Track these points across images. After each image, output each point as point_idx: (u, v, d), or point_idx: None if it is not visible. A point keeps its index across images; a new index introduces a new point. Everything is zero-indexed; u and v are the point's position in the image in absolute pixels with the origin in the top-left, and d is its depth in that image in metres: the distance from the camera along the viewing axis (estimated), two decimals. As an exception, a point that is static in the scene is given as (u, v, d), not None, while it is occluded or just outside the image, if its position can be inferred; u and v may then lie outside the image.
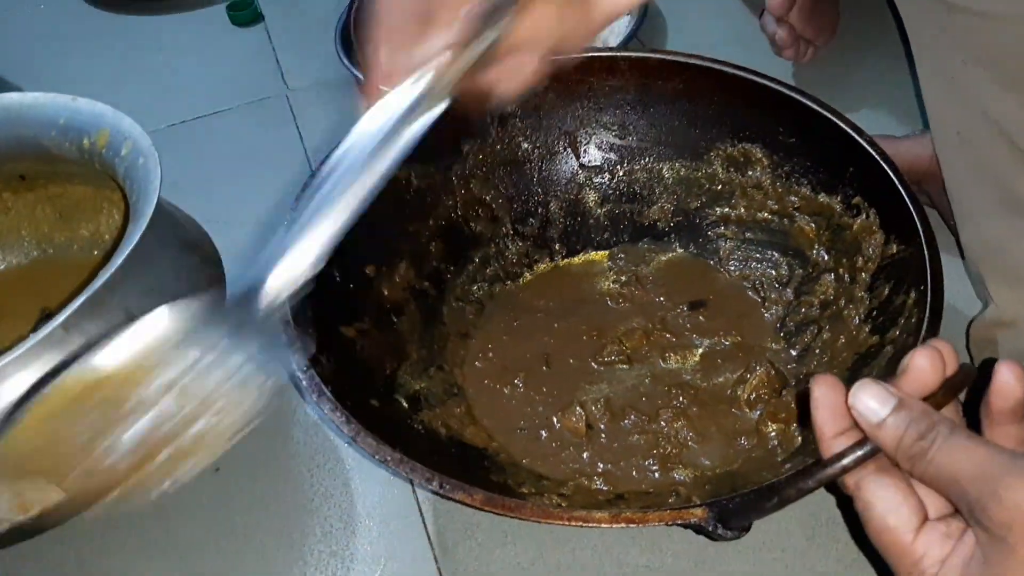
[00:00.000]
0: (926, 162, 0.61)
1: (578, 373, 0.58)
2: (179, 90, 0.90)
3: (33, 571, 0.53)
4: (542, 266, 0.65)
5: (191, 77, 0.92)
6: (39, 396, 0.35)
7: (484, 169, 0.64)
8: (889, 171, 0.52)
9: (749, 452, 0.52)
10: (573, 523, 0.40)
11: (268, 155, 0.81)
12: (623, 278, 0.64)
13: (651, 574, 0.50)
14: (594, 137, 0.66)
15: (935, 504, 0.33)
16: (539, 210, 0.66)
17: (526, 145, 0.65)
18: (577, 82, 0.63)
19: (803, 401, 0.52)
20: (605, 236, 0.66)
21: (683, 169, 0.64)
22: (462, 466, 0.51)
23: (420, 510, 0.54)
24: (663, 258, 0.65)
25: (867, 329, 0.53)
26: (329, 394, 0.45)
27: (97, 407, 0.35)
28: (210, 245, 0.59)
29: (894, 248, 0.53)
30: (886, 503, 0.33)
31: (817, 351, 0.56)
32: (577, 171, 0.66)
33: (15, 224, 0.67)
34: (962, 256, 0.58)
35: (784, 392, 0.55)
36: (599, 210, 0.66)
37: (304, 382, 0.45)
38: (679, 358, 0.58)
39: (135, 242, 0.48)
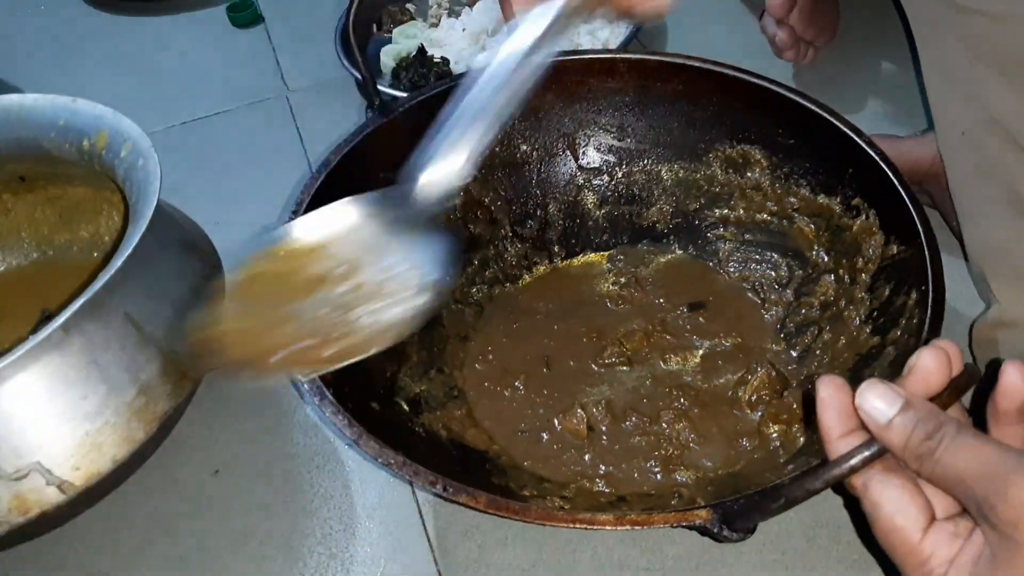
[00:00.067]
0: (928, 162, 0.61)
1: (578, 375, 0.58)
2: (179, 91, 0.90)
3: (33, 572, 0.53)
4: (541, 268, 0.65)
5: (191, 78, 0.91)
6: (262, 246, 0.41)
7: (482, 171, 0.63)
8: (889, 172, 0.52)
9: (751, 453, 0.52)
10: (577, 526, 0.40)
11: (268, 156, 0.81)
12: (622, 280, 0.63)
13: (652, 576, 0.50)
14: (593, 139, 0.66)
15: (942, 504, 0.33)
16: (538, 212, 0.65)
17: (525, 147, 0.65)
18: (576, 84, 0.63)
19: (806, 402, 0.53)
20: (604, 238, 0.66)
21: (682, 171, 0.64)
22: (463, 469, 0.51)
23: (420, 512, 0.54)
24: (662, 260, 0.65)
25: (868, 330, 0.53)
26: (331, 397, 0.45)
27: (287, 274, 0.40)
28: (210, 246, 0.59)
29: (894, 249, 0.53)
30: (893, 503, 0.33)
31: (818, 352, 0.56)
32: (576, 173, 0.66)
33: (15, 226, 0.67)
34: (965, 257, 0.58)
35: (785, 393, 0.55)
36: (598, 212, 0.66)
37: (305, 385, 0.45)
38: (679, 360, 0.58)
39: (135, 244, 0.48)
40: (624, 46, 0.80)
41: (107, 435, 0.47)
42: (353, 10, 0.84)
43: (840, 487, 0.35)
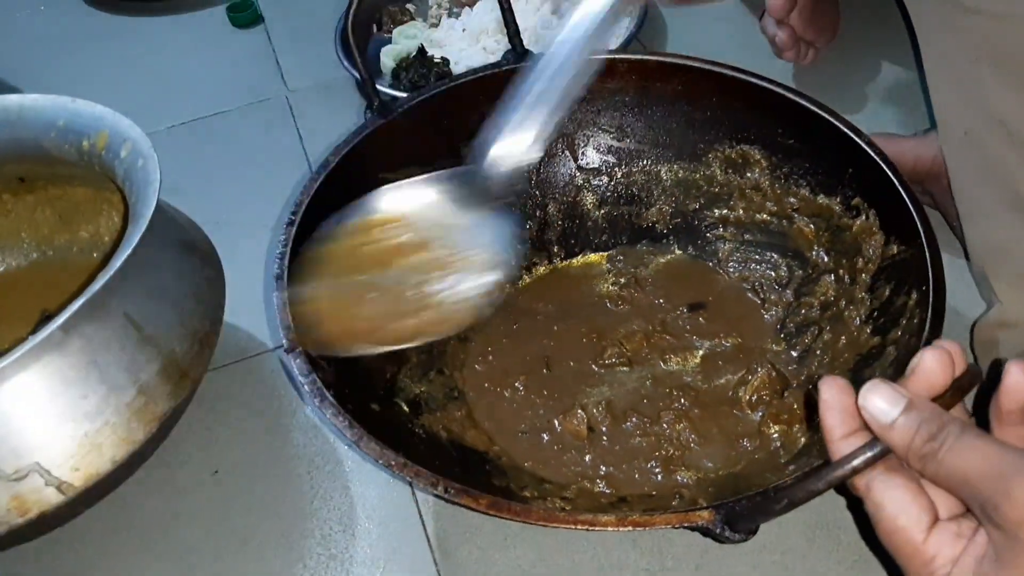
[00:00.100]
0: (929, 162, 0.61)
1: (579, 376, 0.58)
2: (179, 91, 0.89)
3: (33, 572, 0.53)
4: (540, 269, 0.65)
5: (191, 78, 0.91)
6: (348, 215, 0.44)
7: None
8: (889, 172, 0.52)
9: (752, 454, 0.52)
10: (579, 527, 0.40)
11: (268, 156, 0.81)
12: (622, 280, 0.63)
13: (652, 577, 0.50)
14: (592, 139, 0.65)
15: (946, 504, 0.33)
16: (537, 212, 0.65)
17: (525, 147, 0.65)
18: (576, 84, 0.63)
19: (808, 403, 0.53)
20: (603, 238, 0.66)
21: (681, 171, 0.64)
22: (464, 470, 0.51)
23: (420, 513, 0.54)
24: (662, 260, 0.65)
25: (868, 330, 0.53)
26: (331, 398, 0.45)
27: (367, 244, 0.42)
28: (210, 246, 0.59)
29: (894, 249, 0.53)
30: (897, 504, 0.33)
31: (818, 352, 0.56)
32: (575, 173, 0.66)
33: (15, 226, 0.67)
34: (966, 256, 0.58)
35: (786, 393, 0.55)
36: (597, 212, 0.66)
37: (306, 387, 0.45)
38: (680, 360, 0.58)
39: (134, 244, 0.48)
40: (624, 46, 0.80)
41: (106, 435, 0.47)
42: (353, 10, 0.83)
43: (843, 488, 0.34)
